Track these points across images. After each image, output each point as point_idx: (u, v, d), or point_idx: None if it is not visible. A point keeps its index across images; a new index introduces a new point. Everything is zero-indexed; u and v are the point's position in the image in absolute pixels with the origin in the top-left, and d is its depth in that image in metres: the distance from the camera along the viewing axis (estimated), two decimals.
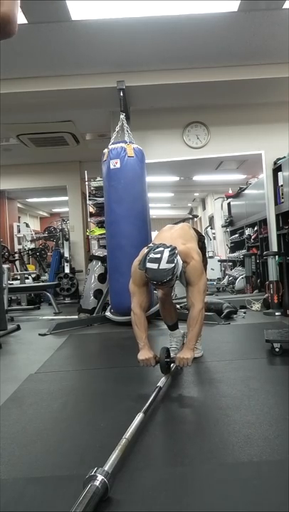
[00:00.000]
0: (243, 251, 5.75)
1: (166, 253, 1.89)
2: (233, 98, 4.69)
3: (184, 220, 6.62)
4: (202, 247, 2.39)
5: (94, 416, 1.75)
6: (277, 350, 2.47)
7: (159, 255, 1.89)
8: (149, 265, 1.90)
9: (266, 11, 3.27)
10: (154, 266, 1.88)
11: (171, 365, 2.11)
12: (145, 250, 1.99)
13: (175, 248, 1.94)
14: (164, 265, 1.87)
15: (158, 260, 1.88)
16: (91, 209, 5.24)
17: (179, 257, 1.94)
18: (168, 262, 1.87)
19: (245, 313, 4.17)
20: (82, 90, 4.21)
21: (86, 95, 4.33)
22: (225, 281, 6.10)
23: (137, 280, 2.09)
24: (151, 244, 2.02)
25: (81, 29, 3.34)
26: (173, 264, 1.88)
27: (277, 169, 4.68)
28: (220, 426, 1.56)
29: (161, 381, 1.92)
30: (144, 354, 2.02)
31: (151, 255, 1.91)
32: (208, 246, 6.62)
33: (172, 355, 2.20)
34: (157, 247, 1.93)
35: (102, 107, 4.72)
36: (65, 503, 1.07)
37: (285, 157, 4.48)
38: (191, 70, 4.16)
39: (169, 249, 1.92)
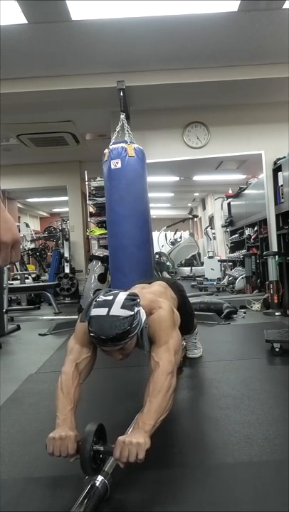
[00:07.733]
0: (243, 251, 5.75)
1: (122, 296, 1.31)
2: (233, 98, 4.69)
3: (183, 220, 6.61)
4: (184, 309, 1.83)
5: (94, 416, 1.74)
6: (277, 350, 2.47)
7: (111, 297, 1.30)
8: (94, 311, 1.27)
9: (266, 11, 3.27)
10: (103, 311, 1.26)
11: (109, 458, 1.21)
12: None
13: (137, 295, 1.36)
14: (117, 311, 1.26)
15: (109, 304, 1.28)
16: (91, 209, 5.25)
17: (141, 309, 1.35)
18: (124, 307, 1.27)
19: (245, 313, 4.17)
20: (82, 90, 4.20)
21: (86, 95, 4.33)
22: (225, 281, 6.10)
23: (79, 336, 1.46)
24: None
25: (81, 29, 3.34)
26: (132, 313, 1.27)
27: (277, 169, 4.68)
28: (220, 426, 1.56)
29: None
30: (59, 432, 1.20)
31: (100, 298, 1.32)
32: (208, 246, 6.63)
33: None
34: (110, 290, 1.36)
35: (102, 107, 4.71)
36: (65, 503, 1.07)
37: (285, 157, 4.48)
38: (191, 70, 4.15)
39: (127, 293, 1.35)
